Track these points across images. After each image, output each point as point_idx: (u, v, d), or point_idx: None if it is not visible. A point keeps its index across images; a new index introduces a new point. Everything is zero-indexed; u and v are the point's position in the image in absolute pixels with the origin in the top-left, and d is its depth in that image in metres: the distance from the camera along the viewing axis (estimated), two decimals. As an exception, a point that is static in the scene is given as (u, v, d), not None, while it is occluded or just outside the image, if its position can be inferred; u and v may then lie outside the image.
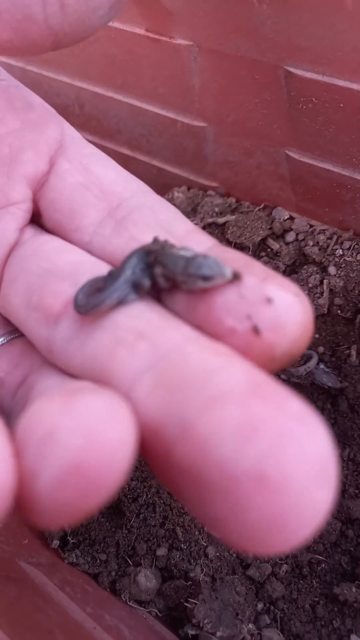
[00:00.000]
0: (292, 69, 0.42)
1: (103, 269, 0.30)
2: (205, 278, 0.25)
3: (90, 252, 0.32)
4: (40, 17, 0.26)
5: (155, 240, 0.29)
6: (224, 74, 0.47)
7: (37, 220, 0.35)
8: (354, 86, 0.40)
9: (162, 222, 0.31)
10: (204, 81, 0.50)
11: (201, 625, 0.40)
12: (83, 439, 0.18)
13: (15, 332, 0.33)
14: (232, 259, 0.27)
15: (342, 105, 0.42)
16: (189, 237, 0.30)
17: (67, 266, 0.31)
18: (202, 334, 0.26)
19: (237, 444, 0.18)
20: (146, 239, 0.30)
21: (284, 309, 0.24)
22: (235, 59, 0.45)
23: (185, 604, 0.42)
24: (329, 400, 0.56)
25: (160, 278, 0.28)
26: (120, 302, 0.28)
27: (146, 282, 0.28)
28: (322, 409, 0.56)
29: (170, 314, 0.27)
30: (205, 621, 0.40)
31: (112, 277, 0.28)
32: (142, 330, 0.26)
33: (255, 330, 0.23)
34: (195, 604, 0.40)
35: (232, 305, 0.25)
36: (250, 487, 0.17)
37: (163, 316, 0.27)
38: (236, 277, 0.25)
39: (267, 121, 0.49)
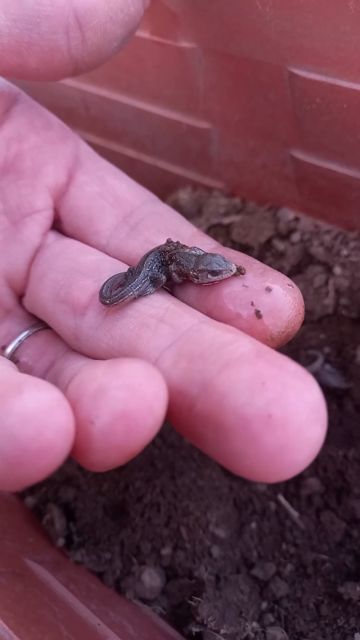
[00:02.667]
0: (296, 70, 0.43)
1: (121, 267, 0.36)
2: (215, 272, 0.31)
3: (107, 253, 0.38)
4: (64, 49, 0.31)
5: (169, 241, 0.35)
6: (228, 76, 0.48)
7: (57, 226, 0.40)
8: (358, 87, 0.40)
9: (170, 226, 0.37)
10: (208, 83, 0.50)
11: (205, 622, 0.40)
12: (128, 393, 0.23)
13: (38, 325, 0.39)
14: (234, 257, 0.32)
15: (346, 105, 0.42)
16: (195, 240, 0.36)
17: (90, 264, 0.36)
18: (212, 319, 0.31)
19: (249, 394, 0.23)
20: (159, 241, 0.36)
21: (280, 296, 0.29)
22: (240, 61, 0.45)
23: (190, 602, 0.42)
24: (335, 401, 0.56)
25: (175, 273, 0.33)
26: (141, 295, 0.33)
27: (162, 277, 0.33)
28: (327, 410, 0.56)
29: (184, 304, 0.33)
30: (209, 619, 0.40)
31: (132, 273, 0.34)
32: (163, 316, 0.31)
33: (258, 314, 0.29)
34: (199, 601, 0.40)
35: (237, 295, 0.30)
36: (261, 425, 0.22)
37: (179, 305, 0.32)
38: (240, 271, 0.31)
39: (271, 122, 0.49)
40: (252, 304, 0.29)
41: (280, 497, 0.51)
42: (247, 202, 0.61)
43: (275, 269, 0.56)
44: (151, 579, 0.44)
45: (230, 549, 0.47)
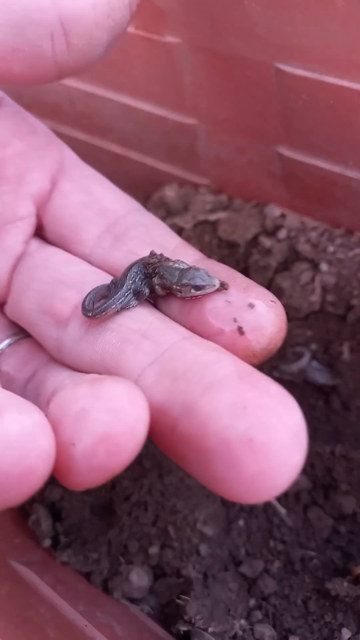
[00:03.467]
0: (283, 67, 0.43)
1: (104, 278, 0.35)
2: (198, 287, 0.31)
3: (90, 262, 0.37)
4: (49, 55, 0.30)
5: (152, 253, 0.34)
6: (215, 72, 0.47)
7: (39, 233, 0.39)
8: (344, 84, 0.40)
9: (155, 237, 0.37)
10: (195, 79, 0.50)
11: (193, 621, 0.40)
12: (110, 416, 0.23)
13: (20, 334, 0.38)
14: (218, 270, 0.32)
15: (332, 102, 0.42)
16: (179, 251, 0.36)
17: (74, 275, 0.35)
18: (195, 335, 0.31)
19: (231, 418, 0.23)
20: (143, 252, 0.35)
21: (263, 313, 0.29)
22: (227, 57, 0.45)
23: (177, 600, 0.42)
24: (322, 398, 0.57)
25: (158, 287, 0.33)
26: (124, 308, 0.33)
27: (146, 290, 0.33)
28: (314, 407, 0.56)
29: (167, 318, 0.33)
30: (197, 617, 0.40)
31: (115, 285, 0.34)
32: (146, 331, 0.31)
33: (240, 331, 0.29)
34: (187, 600, 0.40)
35: (220, 310, 0.30)
36: (242, 449, 0.23)
37: (162, 319, 0.32)
38: (223, 286, 0.31)
39: (259, 119, 0.49)
40: (235, 320, 0.29)
41: (268, 495, 0.51)
42: (234, 199, 0.60)
43: (262, 265, 0.56)
44: (139, 578, 0.44)
45: (218, 547, 0.47)
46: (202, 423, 0.24)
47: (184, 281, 0.31)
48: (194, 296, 0.31)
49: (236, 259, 0.58)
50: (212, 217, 0.58)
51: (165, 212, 0.62)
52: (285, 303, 0.55)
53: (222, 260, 0.59)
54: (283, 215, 0.57)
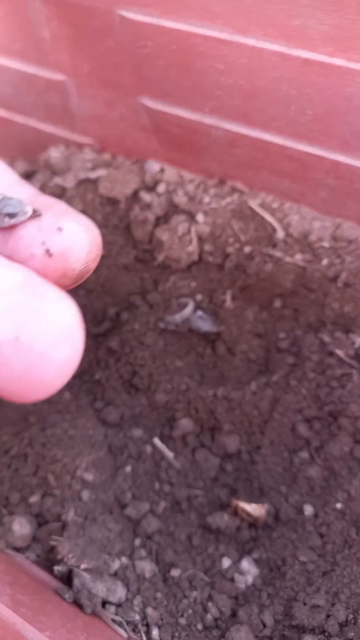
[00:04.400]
0: (124, 13, 0.43)
1: None
2: (11, 215, 0.31)
3: None
4: None
5: None
6: (68, 24, 0.47)
7: None
8: (181, 27, 0.41)
9: None
10: (52, 32, 0.49)
11: (66, 560, 0.41)
12: None
13: None
14: (43, 202, 0.33)
15: (175, 47, 0.43)
16: (13, 187, 0.35)
17: None
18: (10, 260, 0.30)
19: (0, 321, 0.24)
20: None
21: (71, 235, 0.30)
22: (73, 7, 0.45)
23: (51, 542, 0.43)
24: (210, 345, 0.58)
25: None
26: None
27: None
28: (202, 354, 0.58)
29: None
30: (70, 555, 0.41)
31: None
32: None
33: (48, 253, 0.30)
34: (60, 540, 0.42)
35: (32, 236, 0.30)
36: (9, 348, 0.23)
37: None
38: (35, 213, 0.31)
39: (116, 70, 0.49)
40: (44, 243, 0.30)
41: (156, 440, 0.53)
42: (117, 157, 0.61)
43: (141, 220, 0.57)
44: (21, 527, 0.45)
45: (103, 492, 0.48)
46: None
47: None
48: (10, 225, 0.31)
49: (119, 216, 0.58)
50: (93, 175, 0.58)
51: (51, 174, 0.62)
52: (166, 255, 0.56)
53: (105, 217, 0.59)
54: (162, 170, 0.58)
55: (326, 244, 0.51)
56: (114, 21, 0.44)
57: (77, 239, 0.30)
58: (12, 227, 0.32)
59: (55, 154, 0.62)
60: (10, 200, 0.32)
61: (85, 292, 0.65)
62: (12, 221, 0.31)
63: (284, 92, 0.42)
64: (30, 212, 0.31)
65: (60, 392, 0.57)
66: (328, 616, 0.45)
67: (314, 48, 0.38)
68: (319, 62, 0.39)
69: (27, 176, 0.66)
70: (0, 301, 0.25)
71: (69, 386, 0.59)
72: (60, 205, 0.33)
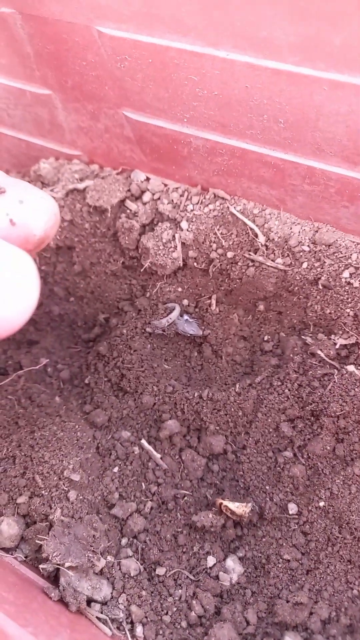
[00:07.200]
0: (102, 29, 0.45)
1: None
2: None
3: None
4: None
5: None
6: (48, 40, 0.49)
7: None
8: (155, 40, 0.43)
9: None
10: (35, 48, 0.51)
11: (50, 558, 0.42)
12: None
13: None
14: (7, 182, 0.37)
15: (151, 60, 0.44)
16: None
17: None
18: None
19: None
20: None
21: (31, 206, 0.35)
22: (53, 23, 0.47)
23: (37, 541, 0.44)
24: (196, 349, 0.60)
25: None
26: None
27: None
28: (189, 357, 0.59)
29: None
30: (55, 554, 0.42)
31: None
32: None
33: (12, 222, 0.34)
34: (45, 539, 0.43)
35: None
36: None
37: None
38: (0, 190, 0.35)
39: (98, 83, 0.51)
40: (7, 214, 0.34)
41: (143, 442, 0.54)
42: (104, 168, 0.62)
43: (128, 228, 0.59)
44: (9, 527, 0.46)
45: (91, 493, 0.49)
46: None
47: None
48: None
49: (107, 224, 0.60)
50: (81, 185, 0.60)
51: (41, 185, 0.64)
52: (152, 262, 0.57)
53: (93, 226, 0.61)
54: (147, 180, 0.60)
55: (306, 248, 0.52)
56: (93, 37, 0.46)
57: (36, 209, 0.34)
58: None
59: (45, 165, 0.64)
60: None
61: (76, 299, 0.67)
62: None
63: (256, 101, 0.43)
64: None
65: (51, 396, 0.58)
66: (311, 614, 0.46)
67: (282, 58, 0.40)
68: (287, 71, 0.40)
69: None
70: None
71: (59, 390, 0.60)
72: (22, 183, 0.37)
